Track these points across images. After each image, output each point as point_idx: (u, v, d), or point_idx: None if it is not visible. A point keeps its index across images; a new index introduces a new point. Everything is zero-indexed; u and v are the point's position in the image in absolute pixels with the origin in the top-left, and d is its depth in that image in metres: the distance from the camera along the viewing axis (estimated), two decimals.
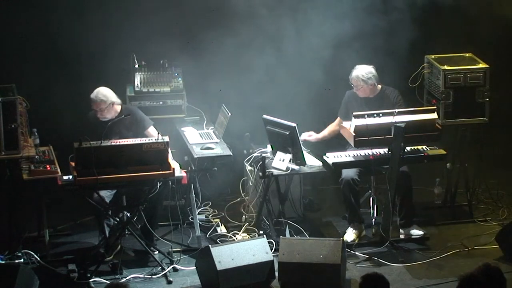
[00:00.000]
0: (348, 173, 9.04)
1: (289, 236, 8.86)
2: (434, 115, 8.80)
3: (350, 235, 9.11)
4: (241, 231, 9.32)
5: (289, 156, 8.83)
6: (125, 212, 8.94)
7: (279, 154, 8.90)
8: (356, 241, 9.05)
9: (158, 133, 8.64)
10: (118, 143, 8.38)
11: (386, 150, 8.85)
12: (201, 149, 9.14)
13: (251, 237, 9.13)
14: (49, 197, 8.81)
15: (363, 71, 9.16)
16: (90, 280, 8.36)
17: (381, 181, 9.14)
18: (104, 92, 8.89)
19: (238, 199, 9.95)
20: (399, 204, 9.07)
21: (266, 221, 9.28)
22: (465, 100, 9.34)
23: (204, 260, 8.16)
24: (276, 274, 8.25)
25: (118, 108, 8.97)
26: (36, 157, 8.63)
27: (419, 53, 9.79)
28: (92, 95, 8.88)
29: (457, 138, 9.54)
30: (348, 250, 8.75)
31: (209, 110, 9.92)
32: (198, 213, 9.56)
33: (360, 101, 9.24)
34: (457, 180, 9.70)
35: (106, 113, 8.88)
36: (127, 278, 8.43)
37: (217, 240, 9.19)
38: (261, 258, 8.17)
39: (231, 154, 9.11)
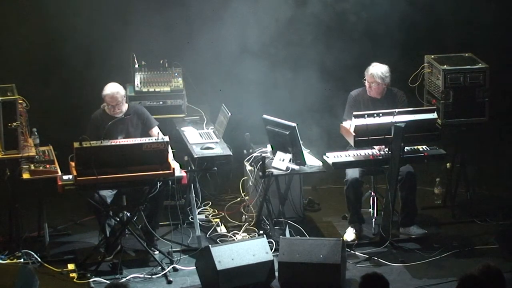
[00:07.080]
0: (353, 175, 9.02)
1: (289, 236, 8.87)
2: (434, 115, 8.80)
3: (350, 235, 9.11)
4: (241, 231, 9.31)
5: (289, 156, 8.82)
6: (125, 212, 8.94)
7: (279, 154, 8.89)
8: (356, 241, 9.06)
9: (158, 133, 8.64)
10: (118, 143, 8.37)
11: (386, 150, 8.85)
12: (201, 149, 9.13)
13: (251, 237, 9.13)
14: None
15: (382, 69, 9.09)
16: (90, 280, 8.36)
17: (381, 181, 9.14)
18: (117, 86, 8.90)
19: (238, 199, 9.95)
20: (402, 203, 9.07)
21: (266, 221, 9.28)
22: (465, 100, 9.34)
23: (204, 260, 8.16)
24: (276, 274, 8.26)
25: (126, 106, 8.97)
26: (36, 157, 8.63)
27: (419, 53, 9.79)
28: (107, 91, 8.85)
29: (457, 138, 9.54)
30: (348, 250, 8.75)
31: (209, 110, 9.92)
32: (198, 213, 9.56)
33: (367, 102, 9.17)
34: (457, 180, 9.69)
35: (122, 106, 8.87)
36: (127, 278, 8.43)
37: (217, 240, 9.19)
38: (261, 258, 8.17)
39: (231, 154, 9.10)
